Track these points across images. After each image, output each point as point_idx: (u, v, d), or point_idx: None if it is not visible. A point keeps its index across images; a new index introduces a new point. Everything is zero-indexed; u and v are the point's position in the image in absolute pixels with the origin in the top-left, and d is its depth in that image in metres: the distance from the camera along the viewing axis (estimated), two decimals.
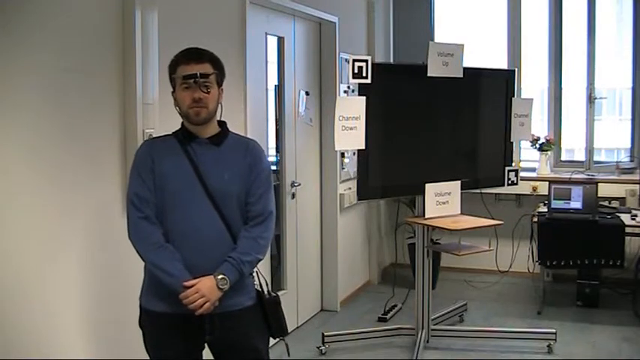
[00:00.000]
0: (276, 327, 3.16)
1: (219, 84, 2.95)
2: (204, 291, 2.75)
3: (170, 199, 2.84)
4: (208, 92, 2.84)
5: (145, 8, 3.49)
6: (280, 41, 5.41)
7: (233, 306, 2.90)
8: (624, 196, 6.51)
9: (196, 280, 2.76)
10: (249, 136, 4.61)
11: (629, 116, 7.06)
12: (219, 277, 2.79)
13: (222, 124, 3.00)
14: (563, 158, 7.31)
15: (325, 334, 5.20)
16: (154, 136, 3.37)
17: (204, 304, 2.75)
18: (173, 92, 2.91)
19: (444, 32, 7.37)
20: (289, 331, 5.52)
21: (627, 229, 5.83)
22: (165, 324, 2.89)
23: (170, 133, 2.97)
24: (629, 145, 7.06)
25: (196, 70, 2.82)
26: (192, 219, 2.83)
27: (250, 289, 3.02)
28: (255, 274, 3.05)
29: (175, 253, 2.80)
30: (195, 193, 2.83)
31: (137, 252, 2.85)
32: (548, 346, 5.14)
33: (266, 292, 3.08)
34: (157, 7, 3.59)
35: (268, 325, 3.11)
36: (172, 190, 2.83)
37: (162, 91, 3.62)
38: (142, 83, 3.48)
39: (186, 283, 2.75)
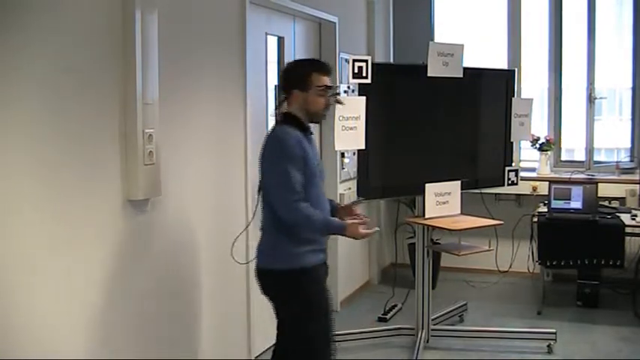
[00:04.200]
0: None
1: None
2: None
3: (311, 178, 3.47)
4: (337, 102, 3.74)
5: (144, 9, 3.49)
6: (280, 41, 5.41)
7: None
8: (624, 196, 6.52)
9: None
10: (248, 135, 4.63)
11: (629, 116, 7.07)
12: None
13: None
14: (563, 158, 7.31)
15: None
16: (149, 132, 3.45)
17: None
18: (299, 92, 3.49)
19: (444, 32, 7.37)
20: None
21: (627, 229, 5.84)
22: (323, 272, 3.64)
23: (283, 123, 3.52)
24: (629, 145, 7.07)
25: (329, 82, 3.54)
26: (320, 190, 3.57)
27: None
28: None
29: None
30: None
31: (300, 224, 3.43)
32: (548, 346, 5.15)
33: None
34: (157, 8, 3.58)
35: None
36: (312, 171, 3.48)
37: (162, 91, 3.63)
38: (141, 83, 3.47)
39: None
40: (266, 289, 3.63)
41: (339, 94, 3.60)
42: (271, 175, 3.47)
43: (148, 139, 3.52)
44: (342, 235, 3.53)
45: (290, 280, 3.50)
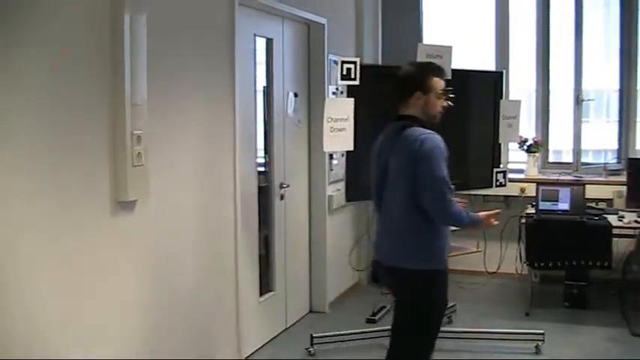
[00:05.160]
0: None
1: None
2: None
3: None
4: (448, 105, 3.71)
5: (134, 11, 3.48)
6: (269, 43, 5.41)
7: None
8: (611, 197, 6.55)
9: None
10: (237, 136, 4.63)
11: (617, 118, 7.10)
12: None
13: None
14: (550, 160, 7.34)
15: (314, 335, 5.20)
16: (138, 134, 3.49)
17: None
18: (422, 94, 3.62)
19: (432, 34, 7.38)
20: (277, 333, 5.57)
21: (614, 231, 5.86)
22: (447, 278, 3.76)
23: (419, 125, 3.60)
24: (616, 147, 7.10)
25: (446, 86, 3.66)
26: None
27: None
28: None
29: None
30: None
31: (450, 219, 3.56)
32: (536, 346, 5.17)
33: None
34: (146, 10, 3.58)
35: None
36: None
37: (151, 92, 3.63)
38: (130, 85, 3.47)
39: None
40: (411, 289, 3.67)
41: (450, 97, 3.72)
42: (428, 174, 3.50)
43: (136, 141, 3.52)
44: (478, 228, 3.76)
45: (437, 280, 3.68)
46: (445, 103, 3.68)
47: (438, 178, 3.46)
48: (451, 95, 3.70)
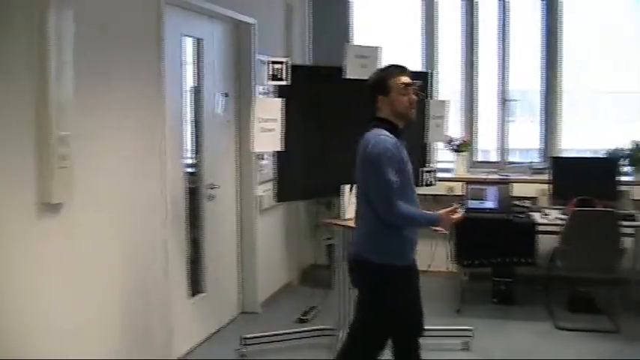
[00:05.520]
0: None
1: None
2: None
3: (406, 180, 3.65)
4: (418, 97, 3.74)
5: (59, 9, 3.41)
6: (198, 42, 5.36)
7: None
8: (536, 195, 6.70)
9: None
10: (166, 137, 4.57)
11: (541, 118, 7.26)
12: None
13: None
14: (478, 159, 7.46)
15: (245, 336, 5.18)
16: (64, 135, 3.31)
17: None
18: (383, 97, 3.70)
19: (361, 34, 7.42)
20: (209, 334, 5.53)
21: (539, 228, 6.00)
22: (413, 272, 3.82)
23: (384, 130, 3.66)
24: (540, 146, 7.25)
25: (409, 80, 3.69)
26: (413, 190, 3.73)
27: None
28: None
29: None
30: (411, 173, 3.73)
31: (399, 221, 3.62)
32: (465, 343, 5.25)
33: None
34: (72, 6, 3.51)
35: None
36: (408, 174, 3.68)
37: (78, 92, 3.56)
38: (56, 85, 3.40)
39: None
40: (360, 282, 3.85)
41: (419, 89, 3.79)
42: (373, 177, 3.63)
43: (62, 142, 3.45)
44: (437, 225, 3.73)
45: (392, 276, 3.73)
46: (412, 97, 3.71)
47: (380, 182, 3.57)
48: (417, 86, 3.75)
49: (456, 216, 3.74)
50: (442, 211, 3.72)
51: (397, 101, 3.69)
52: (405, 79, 3.71)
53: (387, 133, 3.65)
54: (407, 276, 3.77)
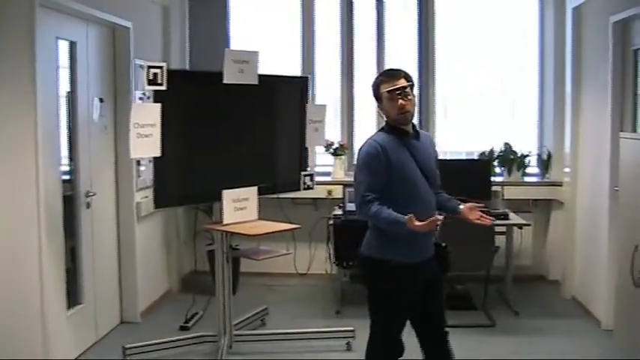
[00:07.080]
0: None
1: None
2: None
3: (399, 177, 3.76)
4: (409, 100, 3.78)
5: None
6: (72, 46, 5.22)
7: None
8: None
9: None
10: (39, 144, 4.43)
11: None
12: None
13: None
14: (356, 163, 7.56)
15: (126, 346, 5.08)
16: None
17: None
18: (379, 104, 3.88)
19: (240, 40, 7.42)
20: (88, 346, 5.40)
21: None
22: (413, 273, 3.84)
23: (382, 131, 3.89)
24: None
25: (397, 85, 3.77)
26: (415, 185, 3.80)
27: None
28: None
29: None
30: (418, 176, 3.80)
31: (369, 219, 3.88)
32: (347, 343, 5.33)
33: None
34: None
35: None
36: (402, 171, 3.76)
37: None
38: None
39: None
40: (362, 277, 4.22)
41: (404, 90, 3.80)
42: (355, 178, 3.91)
43: None
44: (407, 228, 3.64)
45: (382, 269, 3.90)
46: (400, 103, 3.78)
47: (355, 183, 3.88)
48: (399, 91, 3.77)
49: (426, 222, 3.59)
50: (411, 216, 3.59)
51: (387, 108, 3.84)
52: (388, 86, 3.80)
53: (383, 136, 3.85)
54: (404, 274, 3.81)
